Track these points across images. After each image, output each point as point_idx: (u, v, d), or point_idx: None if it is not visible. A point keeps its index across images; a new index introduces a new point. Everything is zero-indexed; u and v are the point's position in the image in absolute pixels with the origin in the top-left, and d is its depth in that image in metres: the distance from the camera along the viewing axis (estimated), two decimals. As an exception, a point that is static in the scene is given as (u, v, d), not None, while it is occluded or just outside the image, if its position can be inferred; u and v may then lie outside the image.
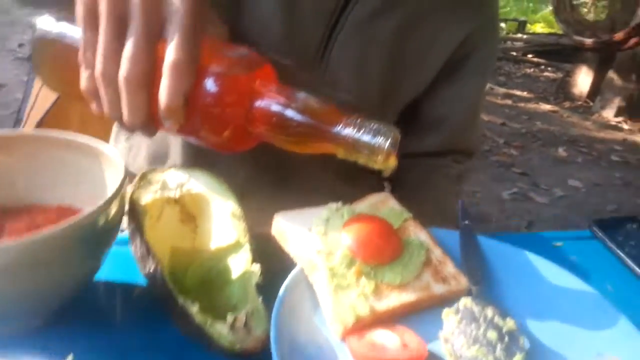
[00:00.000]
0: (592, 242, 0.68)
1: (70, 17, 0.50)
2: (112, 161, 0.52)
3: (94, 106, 0.50)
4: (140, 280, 0.54)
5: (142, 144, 0.83)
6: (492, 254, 0.58)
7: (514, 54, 6.24)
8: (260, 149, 0.53)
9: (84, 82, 0.48)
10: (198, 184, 0.58)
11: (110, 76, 0.45)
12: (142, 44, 0.43)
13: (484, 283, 0.53)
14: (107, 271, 0.53)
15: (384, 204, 0.60)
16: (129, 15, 0.44)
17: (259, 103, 0.48)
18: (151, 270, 0.48)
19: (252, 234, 0.55)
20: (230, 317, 0.45)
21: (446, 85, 0.80)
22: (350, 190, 0.88)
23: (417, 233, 0.56)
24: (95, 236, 0.45)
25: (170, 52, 0.44)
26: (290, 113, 0.46)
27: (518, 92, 5.15)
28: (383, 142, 0.44)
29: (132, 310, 0.54)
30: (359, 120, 0.46)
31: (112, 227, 0.47)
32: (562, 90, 5.03)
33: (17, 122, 2.98)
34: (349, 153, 0.46)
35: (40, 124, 2.75)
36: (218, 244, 0.56)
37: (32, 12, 0.71)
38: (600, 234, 0.68)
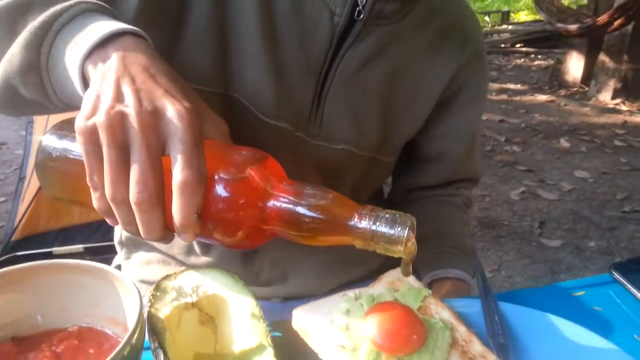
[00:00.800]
0: (613, 286, 0.68)
1: (72, 134, 0.50)
2: (125, 286, 0.52)
3: (109, 221, 0.51)
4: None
5: None
6: (515, 321, 0.57)
7: (502, 45, 6.25)
8: None
9: (96, 203, 0.48)
10: (214, 284, 0.58)
11: (122, 199, 0.45)
12: (147, 167, 0.44)
13: (508, 353, 0.52)
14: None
15: (400, 282, 0.59)
16: (129, 140, 0.44)
17: (270, 203, 0.48)
18: (179, 394, 0.48)
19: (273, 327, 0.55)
20: None
21: (441, 122, 0.82)
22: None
23: (439, 311, 0.56)
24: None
25: (177, 173, 0.44)
26: (302, 210, 0.47)
27: (512, 86, 5.15)
28: (401, 231, 0.45)
29: None
30: (372, 212, 0.46)
31: (138, 350, 0.47)
32: (555, 79, 5.03)
33: (21, 180, 3.00)
34: (367, 244, 0.47)
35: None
36: (240, 347, 0.55)
37: (12, 114, 0.72)
38: (620, 277, 0.67)
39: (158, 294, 0.56)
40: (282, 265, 0.82)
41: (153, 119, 0.44)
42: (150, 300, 0.55)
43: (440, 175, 0.88)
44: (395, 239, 0.45)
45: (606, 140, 3.78)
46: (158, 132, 0.44)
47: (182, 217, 0.45)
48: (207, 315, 0.58)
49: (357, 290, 0.57)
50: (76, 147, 0.52)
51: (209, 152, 0.47)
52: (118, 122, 0.44)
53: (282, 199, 0.48)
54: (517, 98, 4.80)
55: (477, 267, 0.63)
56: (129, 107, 0.44)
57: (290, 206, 0.47)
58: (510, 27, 6.84)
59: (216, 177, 0.47)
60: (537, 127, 4.10)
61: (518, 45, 6.24)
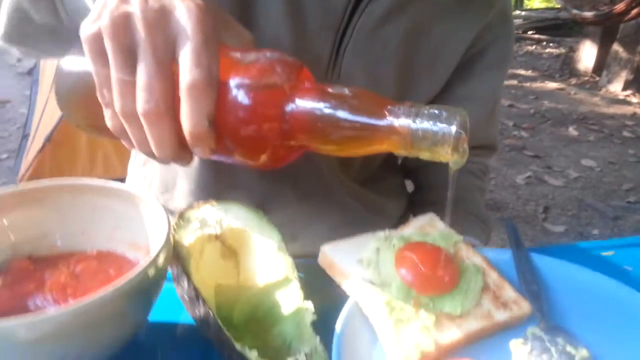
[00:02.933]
0: (641, 248, 0.66)
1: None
2: (150, 206, 0.50)
3: (125, 143, 0.47)
4: (187, 318, 0.53)
5: (155, 172, 0.81)
6: (547, 272, 0.56)
7: (514, 31, 6.18)
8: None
9: (108, 122, 0.45)
10: (237, 218, 0.56)
11: (130, 112, 0.41)
12: (154, 72, 0.40)
13: (546, 307, 0.51)
14: (154, 312, 0.51)
15: (431, 227, 0.58)
16: (135, 44, 0.40)
17: (299, 110, 0.41)
18: (202, 315, 0.46)
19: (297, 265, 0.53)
20: (291, 360, 0.43)
21: (462, 84, 0.79)
22: (372, 196, 0.87)
23: (470, 257, 0.54)
24: (147, 288, 0.43)
25: (185, 74, 0.40)
26: (337, 114, 0.40)
27: (522, 72, 5.09)
28: (448, 127, 0.38)
29: (183, 350, 0.52)
30: (412, 108, 0.39)
31: (162, 276, 0.45)
32: (567, 67, 4.97)
33: (25, 137, 2.97)
34: (407, 148, 0.40)
35: (49, 139, 2.73)
36: (264, 280, 0.54)
37: (23, 51, 0.69)
38: (651, 237, 0.66)
39: (182, 222, 0.54)
40: (291, 225, 0.79)
41: (159, 17, 0.40)
42: (174, 228, 0.53)
43: None
44: (441, 137, 0.38)
45: (615, 131, 3.76)
46: (166, 32, 0.40)
47: (191, 124, 0.41)
48: (230, 249, 0.57)
49: (387, 231, 0.55)
50: (90, 65, 0.48)
51: (228, 57, 0.42)
52: (122, 23, 0.40)
53: (313, 103, 0.41)
54: (527, 84, 4.75)
55: (508, 222, 0.61)
56: (134, 6, 0.40)
57: (325, 110, 0.41)
58: (523, 13, 6.75)
59: (234, 83, 0.41)
60: (546, 114, 4.07)
61: (530, 32, 6.15)
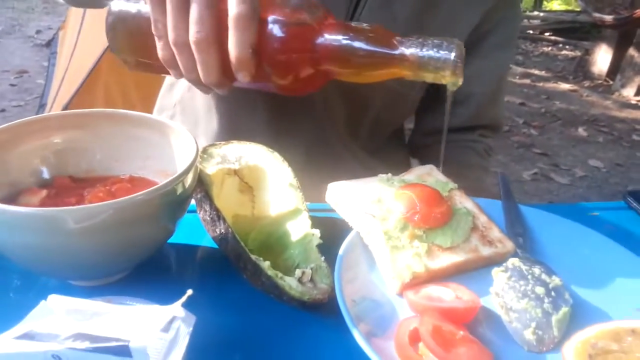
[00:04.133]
0: (626, 212, 0.71)
1: None
2: (180, 135, 0.57)
3: (173, 73, 0.55)
4: (208, 243, 0.59)
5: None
6: (533, 221, 0.61)
7: (531, 32, 6.16)
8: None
9: (160, 52, 0.52)
10: (255, 157, 0.63)
11: (183, 42, 0.49)
12: (204, 6, 0.47)
13: (528, 246, 0.56)
14: (178, 236, 0.58)
15: (429, 176, 0.63)
16: None
17: (326, 41, 0.50)
18: (222, 232, 0.53)
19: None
20: (298, 272, 0.50)
21: (468, 63, 0.82)
22: (380, 167, 0.92)
23: (463, 202, 0.60)
24: (175, 201, 0.49)
25: (232, 7, 0.47)
26: (357, 44, 0.49)
27: (536, 72, 5.10)
28: (448, 54, 0.47)
29: (204, 267, 0.58)
30: (419, 39, 0.48)
31: (188, 194, 0.51)
32: (581, 69, 4.97)
33: (41, 107, 3.04)
34: (416, 72, 0.49)
35: (66, 108, 2.81)
36: (277, 211, 0.60)
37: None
38: (634, 204, 0.71)
39: (205, 156, 0.61)
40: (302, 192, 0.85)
41: None
42: (198, 160, 0.59)
43: (463, 118, 0.89)
44: (442, 62, 0.47)
45: (624, 134, 3.77)
46: None
47: (237, 51, 0.48)
48: (247, 184, 0.63)
49: (389, 174, 0.61)
50: (141, 6, 0.55)
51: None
52: None
53: (337, 36, 0.50)
54: (540, 84, 4.77)
55: (501, 175, 0.67)
56: None
57: (346, 41, 0.50)
58: (541, 14, 6.73)
59: (273, 19, 0.50)
60: (556, 114, 4.09)
61: (547, 34, 6.14)
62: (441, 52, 0.47)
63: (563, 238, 0.59)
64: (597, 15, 4.24)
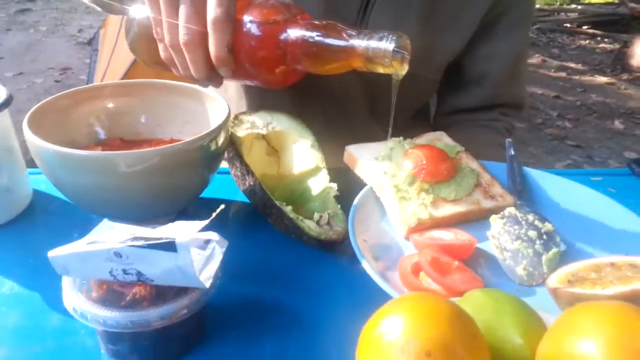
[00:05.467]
0: (630, 178, 0.75)
1: None
2: (215, 101, 0.64)
3: (174, 71, 0.63)
4: (239, 198, 0.67)
5: None
6: (534, 180, 0.67)
7: (568, 25, 6.05)
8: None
9: (161, 53, 0.62)
10: (281, 123, 0.70)
11: (176, 43, 0.58)
12: (190, 12, 0.56)
13: (526, 199, 0.62)
14: (213, 193, 0.65)
15: (439, 140, 0.69)
16: None
17: (288, 37, 0.57)
18: (251, 184, 0.60)
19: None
20: (316, 215, 0.57)
21: (484, 43, 0.86)
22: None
23: (469, 162, 0.66)
24: (210, 153, 0.57)
25: (210, 11, 0.55)
26: (311, 39, 0.56)
27: (572, 65, 5.02)
28: (388, 45, 0.52)
29: (235, 216, 0.66)
30: (367, 32, 0.54)
31: (221, 148, 0.59)
32: (619, 62, 4.86)
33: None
34: (364, 63, 0.55)
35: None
36: (299, 170, 0.67)
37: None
38: (638, 170, 0.75)
39: (236, 122, 0.68)
40: None
41: None
42: (230, 125, 0.67)
43: (482, 97, 0.92)
44: (384, 51, 0.52)
45: (662, 127, 3.69)
46: None
47: (215, 50, 0.56)
48: (273, 148, 0.70)
49: (401, 138, 0.67)
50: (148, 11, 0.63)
51: (243, 1, 0.58)
52: None
53: (300, 34, 0.56)
54: (576, 77, 4.69)
55: (508, 142, 0.72)
56: None
57: (303, 37, 0.56)
58: (579, 7, 6.59)
59: (246, 19, 0.57)
60: (592, 107, 4.02)
61: (585, 27, 6.01)
62: (383, 43, 0.52)
63: (561, 194, 0.64)
64: (634, 6, 4.15)
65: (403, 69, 0.55)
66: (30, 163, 0.60)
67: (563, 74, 4.72)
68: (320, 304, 0.51)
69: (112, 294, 0.42)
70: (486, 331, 0.34)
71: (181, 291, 0.42)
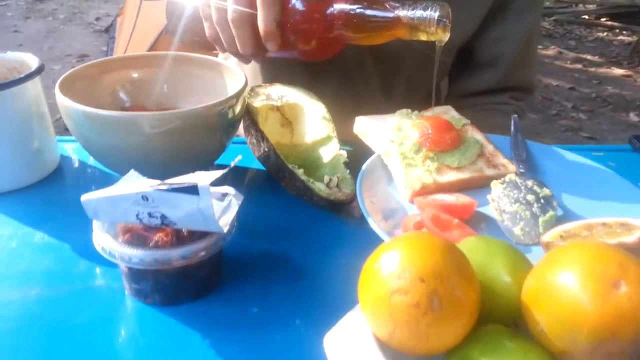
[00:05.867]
0: (630, 154, 0.78)
1: None
2: (233, 73, 0.68)
3: (219, 48, 0.67)
4: (255, 166, 0.70)
5: None
6: (537, 152, 0.69)
7: (586, 17, 5.99)
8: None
9: (207, 31, 0.65)
10: (295, 96, 0.73)
11: (224, 21, 0.61)
12: None
13: (527, 167, 0.65)
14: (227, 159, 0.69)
15: (446, 114, 0.72)
16: None
17: (335, 11, 0.61)
18: (265, 150, 0.64)
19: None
20: (326, 178, 0.61)
21: (495, 26, 0.89)
22: None
23: (474, 134, 0.69)
24: (227, 118, 0.60)
25: None
26: (359, 11, 0.59)
27: (589, 57, 4.98)
28: (432, 13, 0.57)
29: (250, 181, 0.70)
30: (410, 3, 0.58)
31: (238, 115, 0.63)
32: (636, 54, 4.82)
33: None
34: (409, 32, 0.59)
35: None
36: (311, 139, 0.71)
37: None
38: (639, 145, 0.77)
39: (252, 94, 0.72)
40: None
41: None
42: (246, 96, 0.71)
43: (493, 80, 0.94)
44: (428, 20, 0.57)
45: (679, 120, 3.66)
46: None
47: (264, 24, 0.60)
48: (287, 119, 0.74)
49: (409, 110, 0.70)
50: None
51: None
52: None
53: (345, 6, 0.60)
54: (592, 69, 4.65)
55: (514, 118, 0.75)
56: None
57: (349, 10, 0.60)
58: (598, -1, 6.51)
59: None
60: (607, 99, 4.00)
61: (603, 19, 5.95)
62: (427, 12, 0.56)
63: (562, 165, 0.67)
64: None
65: (446, 36, 0.59)
66: (55, 124, 0.64)
67: (579, 66, 4.69)
68: (327, 256, 0.55)
69: (136, 239, 0.46)
70: (478, 270, 0.38)
71: (200, 237, 0.46)
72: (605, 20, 5.87)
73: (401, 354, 0.36)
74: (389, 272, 0.35)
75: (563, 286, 0.33)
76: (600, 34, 5.69)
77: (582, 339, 0.33)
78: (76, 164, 0.72)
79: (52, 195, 0.64)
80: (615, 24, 5.76)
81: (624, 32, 5.67)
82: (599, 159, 0.73)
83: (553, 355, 0.35)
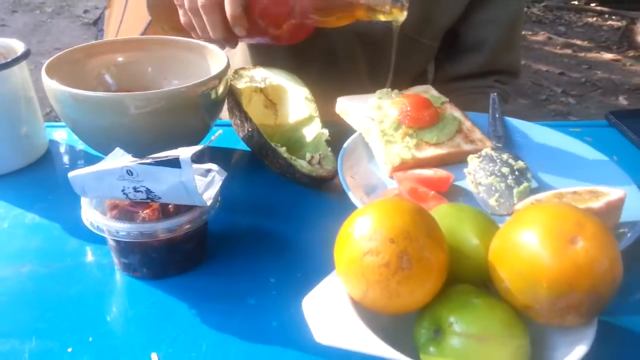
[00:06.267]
0: (606, 129, 0.80)
1: None
2: (216, 55, 0.69)
3: (194, 34, 0.68)
4: (240, 147, 0.72)
5: None
6: (514, 128, 0.71)
7: (576, 2, 6.00)
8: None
9: (182, 19, 0.67)
10: (278, 78, 0.75)
11: (195, 7, 0.63)
12: None
13: (504, 142, 0.67)
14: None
15: (426, 92, 0.74)
16: None
17: None
18: (249, 130, 0.65)
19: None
20: (308, 155, 0.62)
21: (480, 10, 0.90)
22: None
23: (453, 112, 0.71)
24: (210, 98, 0.62)
25: None
26: None
27: (578, 42, 5.00)
28: None
29: (236, 161, 0.72)
30: None
31: (221, 95, 0.64)
32: (626, 39, 4.84)
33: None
34: (367, 13, 0.61)
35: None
36: (295, 119, 0.72)
37: None
38: (615, 120, 0.79)
39: (236, 76, 0.73)
40: None
41: None
42: (230, 78, 0.72)
43: (478, 64, 0.96)
44: (384, 0, 0.59)
45: (667, 102, 3.69)
46: None
47: (231, 9, 0.61)
48: (271, 101, 0.75)
49: (389, 89, 0.72)
50: None
51: None
52: None
53: None
54: (582, 54, 4.68)
55: (492, 97, 0.76)
56: None
57: None
58: (588, -16, 6.51)
59: None
60: (597, 83, 4.02)
61: (593, 4, 5.96)
62: None
63: (538, 139, 0.69)
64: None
65: (402, 15, 0.61)
66: (46, 118, 0.65)
67: (569, 51, 4.71)
68: (309, 230, 0.57)
69: (124, 214, 0.48)
70: (448, 234, 0.40)
71: (185, 211, 0.47)
72: (595, 6, 5.88)
73: (374, 313, 0.38)
74: (361, 234, 0.37)
75: (525, 244, 0.36)
76: (590, 19, 5.71)
77: (543, 292, 0.35)
78: (65, 149, 0.73)
79: (41, 178, 0.66)
80: (605, 9, 5.78)
81: (613, 17, 5.69)
82: (576, 135, 0.75)
83: (517, 310, 0.37)
